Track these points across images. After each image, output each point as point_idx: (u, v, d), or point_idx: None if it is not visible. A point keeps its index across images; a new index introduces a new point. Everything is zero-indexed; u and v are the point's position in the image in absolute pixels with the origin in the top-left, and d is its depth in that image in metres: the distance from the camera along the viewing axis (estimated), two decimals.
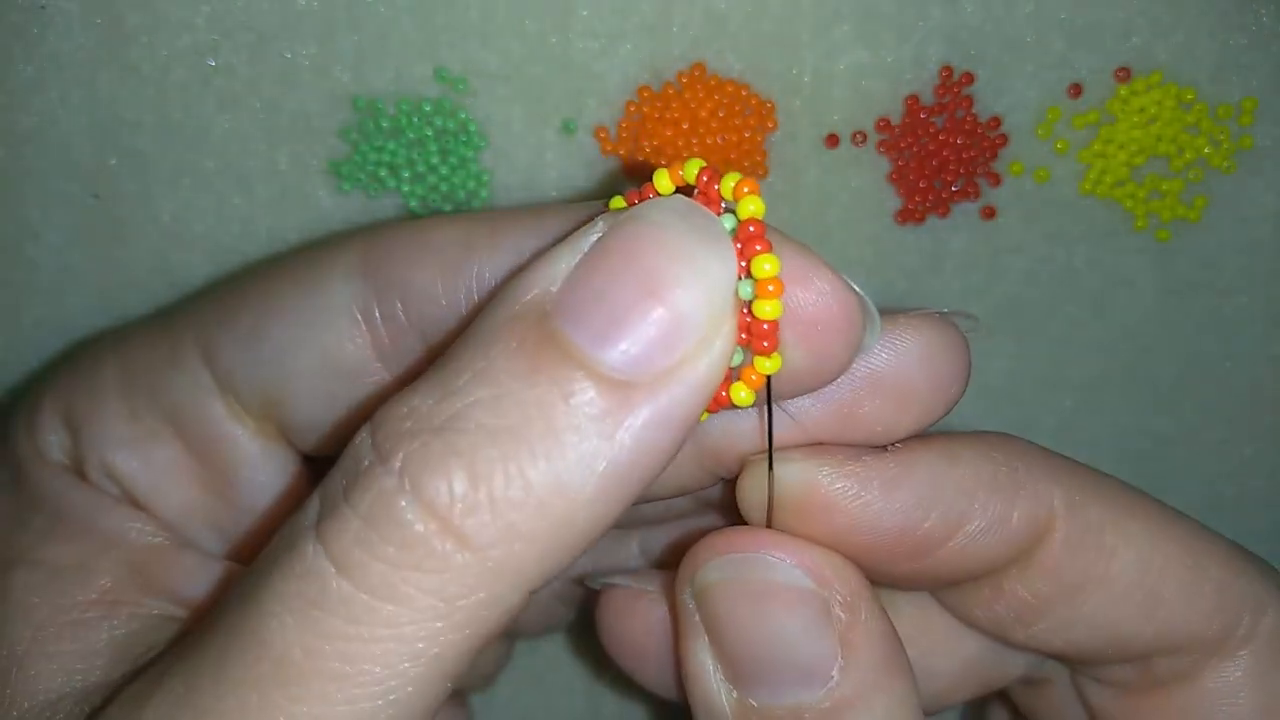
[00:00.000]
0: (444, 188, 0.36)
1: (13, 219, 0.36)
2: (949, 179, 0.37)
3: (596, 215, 0.23)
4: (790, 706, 0.25)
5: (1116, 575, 0.26)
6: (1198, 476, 0.40)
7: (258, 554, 0.23)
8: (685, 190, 0.23)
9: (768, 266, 0.21)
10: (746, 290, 0.22)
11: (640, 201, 0.23)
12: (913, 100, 0.36)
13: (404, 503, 0.20)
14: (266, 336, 0.27)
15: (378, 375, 0.27)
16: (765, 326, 0.22)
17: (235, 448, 0.29)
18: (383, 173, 0.36)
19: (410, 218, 0.37)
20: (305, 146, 0.36)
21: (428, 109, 0.36)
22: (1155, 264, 0.38)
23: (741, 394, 0.22)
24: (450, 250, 0.26)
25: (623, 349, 0.21)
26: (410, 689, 0.20)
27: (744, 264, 0.22)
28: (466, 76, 0.36)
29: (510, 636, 0.36)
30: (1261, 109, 0.37)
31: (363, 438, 0.22)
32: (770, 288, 0.21)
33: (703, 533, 0.27)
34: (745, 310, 0.22)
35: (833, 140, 0.36)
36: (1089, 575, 0.26)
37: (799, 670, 0.25)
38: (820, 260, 0.23)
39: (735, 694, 0.26)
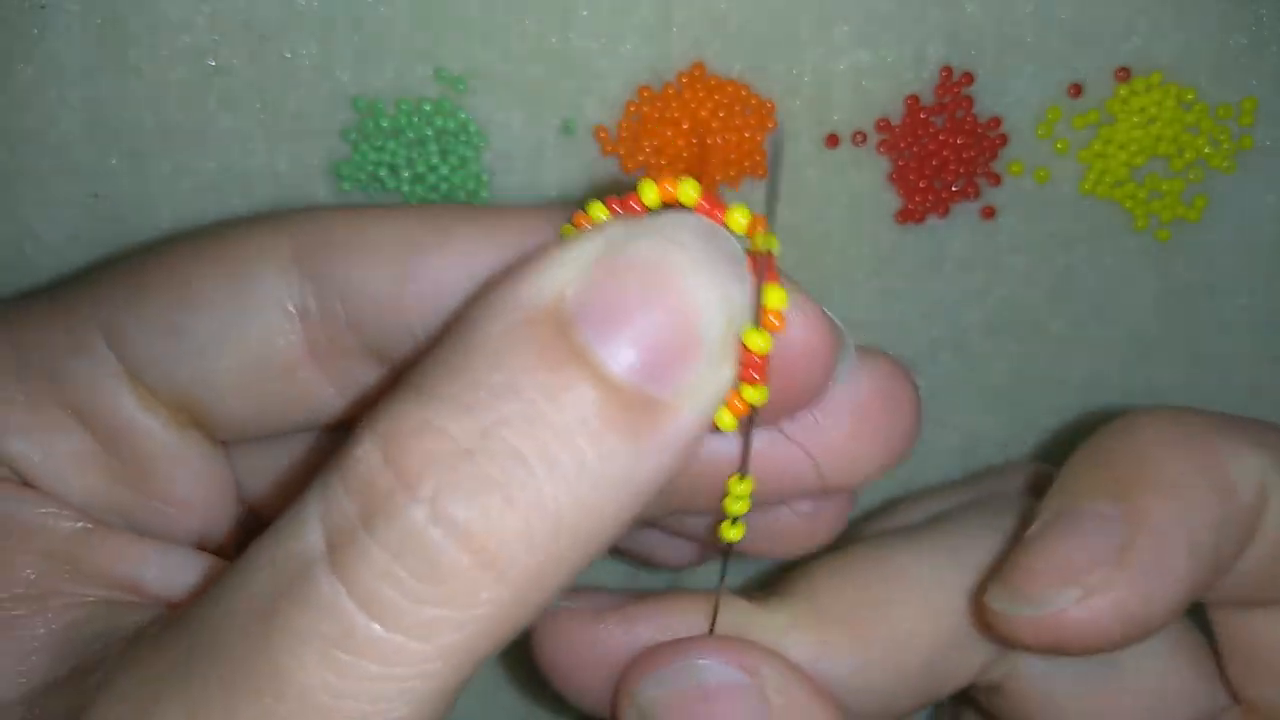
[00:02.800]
0: (444, 188, 0.36)
1: (13, 219, 0.36)
2: (949, 179, 0.37)
3: (578, 223, 0.23)
4: None
5: None
6: None
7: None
8: (670, 207, 0.23)
9: (775, 298, 0.22)
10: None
11: (622, 211, 0.23)
12: (913, 100, 0.36)
13: (437, 536, 0.19)
14: (187, 330, 0.26)
15: (309, 371, 0.26)
16: (758, 359, 0.22)
17: (150, 439, 0.27)
18: (383, 173, 0.36)
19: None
20: (305, 146, 0.36)
21: (428, 109, 0.36)
22: (1155, 264, 0.38)
23: (725, 419, 0.22)
24: (394, 248, 0.25)
25: (648, 365, 0.20)
26: (428, 717, 0.20)
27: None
28: (466, 76, 0.36)
29: None
30: (1261, 109, 0.37)
31: (372, 455, 0.20)
32: (773, 319, 0.22)
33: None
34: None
35: (833, 140, 0.36)
36: None
37: None
38: (797, 286, 0.23)
39: None
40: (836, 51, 0.36)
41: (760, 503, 0.26)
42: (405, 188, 0.36)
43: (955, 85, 0.36)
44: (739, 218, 0.22)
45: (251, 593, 0.21)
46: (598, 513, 0.20)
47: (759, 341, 0.22)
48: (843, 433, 0.26)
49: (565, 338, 0.20)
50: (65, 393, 0.27)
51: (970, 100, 0.36)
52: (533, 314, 0.20)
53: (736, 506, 0.25)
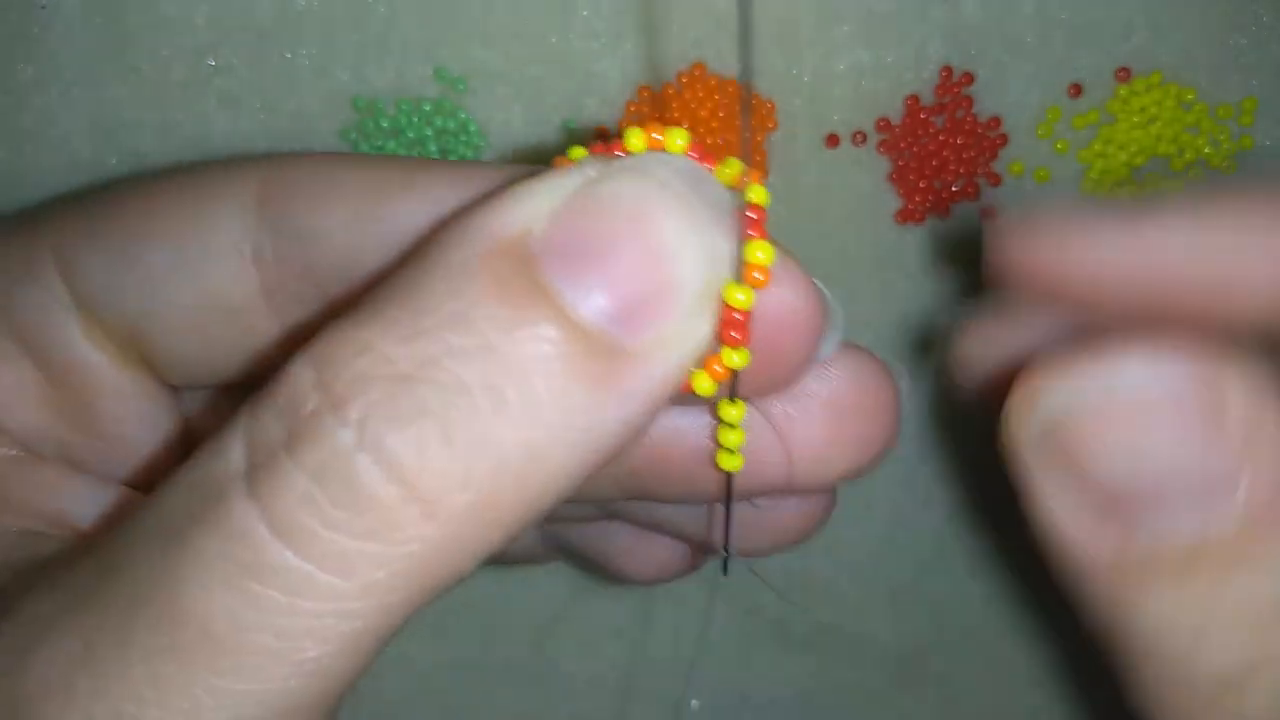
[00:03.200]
0: None
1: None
2: (949, 179, 0.37)
3: (558, 166, 0.21)
4: (1189, 537, 0.20)
5: None
6: None
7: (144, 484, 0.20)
8: None
9: (761, 254, 0.20)
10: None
11: (608, 155, 0.21)
12: (913, 100, 0.36)
13: (364, 463, 0.18)
14: (139, 260, 0.25)
15: (260, 316, 0.25)
16: (738, 316, 0.20)
17: (95, 375, 0.26)
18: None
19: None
20: (305, 146, 0.36)
21: (428, 109, 0.36)
22: None
23: (704, 383, 0.21)
24: (361, 195, 0.24)
25: (618, 311, 0.19)
26: (345, 662, 0.18)
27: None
28: (466, 76, 0.36)
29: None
30: (1261, 109, 0.37)
31: (303, 375, 0.19)
32: (757, 275, 0.20)
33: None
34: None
35: (833, 140, 0.36)
36: None
37: (1195, 492, 0.20)
38: (787, 255, 0.21)
39: (1119, 538, 0.21)
40: (836, 51, 0.36)
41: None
42: None
43: (955, 85, 0.36)
44: (729, 169, 0.21)
45: (163, 516, 0.19)
46: (547, 460, 0.18)
47: (741, 297, 0.20)
48: (816, 429, 0.25)
49: (529, 273, 0.19)
50: (12, 320, 0.26)
51: (970, 100, 0.36)
52: (495, 246, 0.19)
53: (730, 438, 0.23)
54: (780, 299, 0.21)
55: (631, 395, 0.19)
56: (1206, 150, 0.37)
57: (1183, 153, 0.37)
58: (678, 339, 0.19)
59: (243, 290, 0.25)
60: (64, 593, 0.20)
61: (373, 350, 0.18)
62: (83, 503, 0.26)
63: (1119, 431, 0.20)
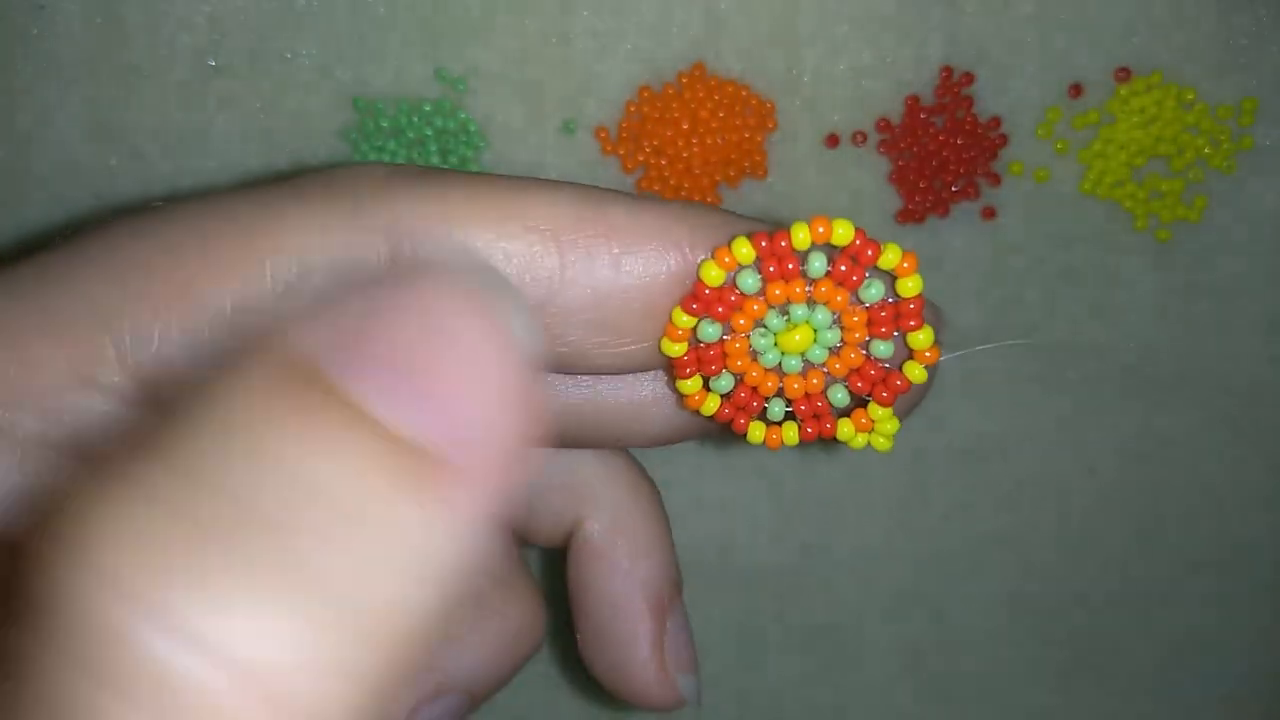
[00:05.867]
0: None
1: (13, 219, 0.36)
2: (949, 179, 0.37)
3: (720, 258, 0.22)
4: None
5: None
6: (1198, 476, 0.40)
7: None
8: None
9: (922, 338, 0.23)
10: (886, 349, 0.23)
11: (770, 248, 0.22)
12: (913, 100, 0.36)
13: (182, 661, 0.13)
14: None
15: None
16: (900, 383, 0.23)
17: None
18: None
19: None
20: (305, 146, 0.36)
21: (428, 109, 0.36)
22: (1155, 264, 0.38)
23: (847, 430, 0.24)
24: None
25: (431, 409, 0.14)
26: None
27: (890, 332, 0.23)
28: (466, 76, 0.36)
29: None
30: (1261, 109, 0.37)
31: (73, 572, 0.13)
32: (927, 354, 0.23)
33: None
34: (880, 366, 0.24)
35: (833, 140, 0.36)
36: None
37: None
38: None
39: None
40: (836, 51, 0.36)
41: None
42: None
43: (955, 85, 0.36)
44: (890, 255, 0.23)
45: None
46: (401, 605, 0.14)
47: (916, 373, 0.23)
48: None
49: (317, 383, 0.14)
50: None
51: (970, 100, 0.36)
52: (279, 363, 0.15)
53: (672, 348, 0.23)
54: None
55: (475, 496, 0.14)
56: (1206, 150, 0.37)
57: (1183, 153, 0.37)
58: (505, 424, 0.15)
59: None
60: None
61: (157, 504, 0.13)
62: None
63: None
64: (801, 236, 0.22)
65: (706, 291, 0.22)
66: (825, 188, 0.37)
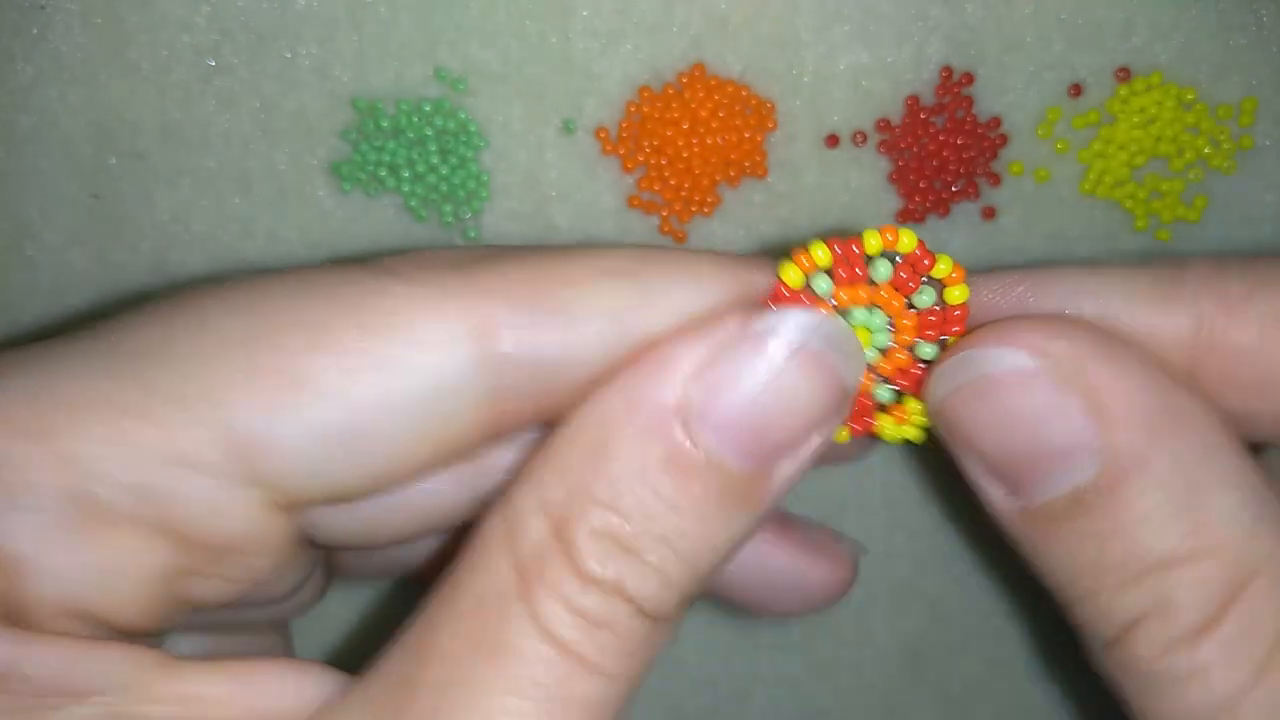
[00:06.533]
0: (444, 188, 0.36)
1: (12, 219, 0.36)
2: (949, 179, 0.37)
3: (798, 261, 0.25)
4: (1068, 495, 0.23)
5: None
6: None
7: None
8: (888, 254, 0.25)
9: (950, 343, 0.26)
10: (932, 352, 0.26)
11: (843, 253, 0.25)
12: (913, 100, 0.36)
13: (594, 591, 0.23)
14: (364, 433, 0.23)
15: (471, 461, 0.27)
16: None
17: (254, 542, 0.24)
18: (383, 173, 0.36)
19: (410, 219, 0.37)
20: (305, 146, 0.36)
21: (428, 109, 0.36)
22: None
23: (886, 426, 0.27)
24: (607, 317, 0.24)
25: (762, 456, 0.24)
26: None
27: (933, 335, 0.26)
28: (466, 76, 0.36)
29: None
30: (1261, 109, 0.37)
31: (536, 525, 0.23)
32: (955, 325, 0.26)
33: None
34: (923, 367, 0.26)
35: (833, 140, 0.36)
36: None
37: (1059, 454, 0.23)
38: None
39: (1018, 504, 0.24)
40: (836, 51, 0.36)
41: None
42: (405, 188, 0.36)
43: (955, 85, 0.36)
44: (943, 265, 0.25)
45: (449, 638, 0.23)
46: (708, 556, 0.24)
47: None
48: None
49: (688, 439, 0.23)
50: (156, 505, 0.22)
51: (970, 100, 0.36)
52: (660, 417, 0.23)
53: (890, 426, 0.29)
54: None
55: (763, 503, 0.24)
56: (1206, 150, 0.37)
57: (1183, 153, 0.37)
58: (801, 461, 0.24)
59: (467, 439, 0.24)
60: (363, 708, 0.23)
61: (577, 506, 0.23)
62: (287, 694, 0.23)
63: (980, 413, 0.24)
64: (874, 243, 0.25)
65: (786, 293, 0.25)
66: (825, 188, 0.37)
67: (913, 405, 0.26)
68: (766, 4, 0.35)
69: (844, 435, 0.27)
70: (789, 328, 0.23)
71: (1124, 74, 0.36)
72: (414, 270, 0.24)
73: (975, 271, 0.27)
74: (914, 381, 0.26)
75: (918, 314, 0.25)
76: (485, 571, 0.23)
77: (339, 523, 0.26)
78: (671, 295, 0.24)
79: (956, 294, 0.25)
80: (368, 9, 0.35)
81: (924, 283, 0.25)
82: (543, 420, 0.25)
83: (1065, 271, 0.26)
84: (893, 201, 0.37)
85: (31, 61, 0.35)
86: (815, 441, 0.24)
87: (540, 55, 0.36)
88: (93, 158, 0.36)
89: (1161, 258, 0.26)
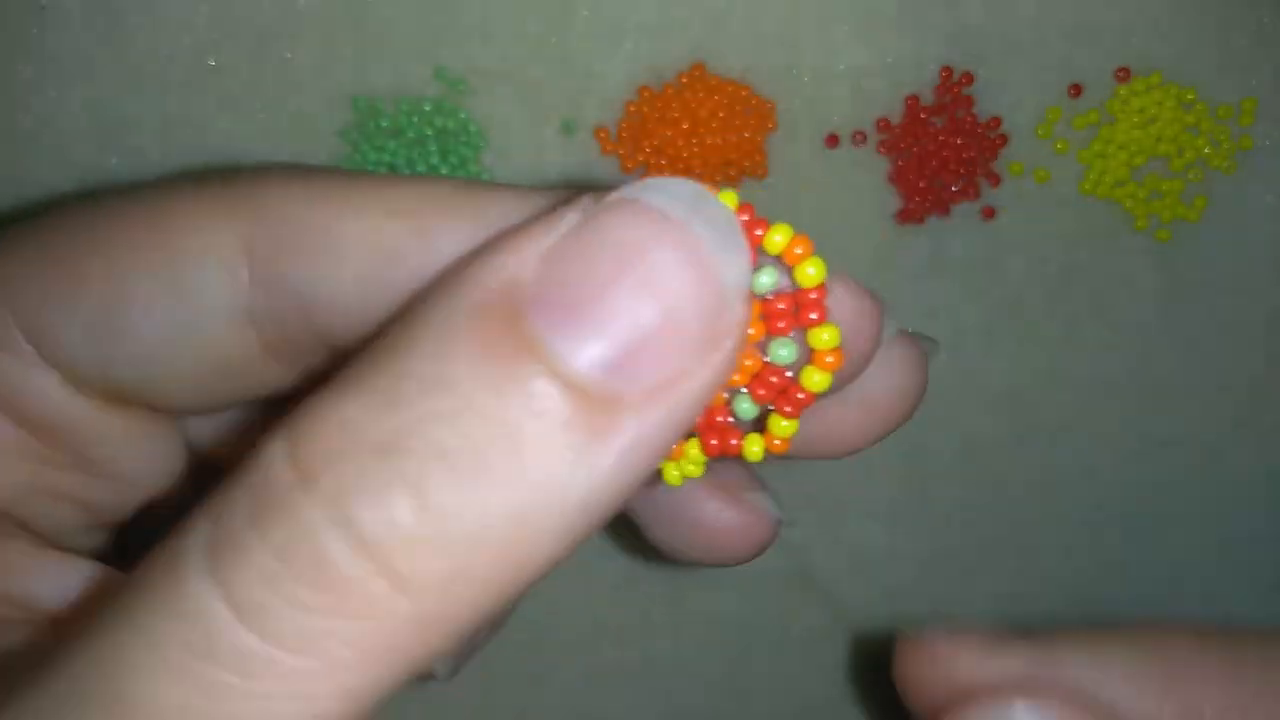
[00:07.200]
0: None
1: (12, 219, 0.36)
2: (949, 179, 0.37)
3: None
4: None
5: None
6: (1198, 476, 0.40)
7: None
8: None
9: (826, 337, 0.19)
10: (787, 354, 0.19)
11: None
12: (913, 100, 0.36)
13: (332, 537, 0.17)
14: (124, 334, 0.23)
15: (265, 369, 0.24)
16: (801, 396, 0.19)
17: (81, 424, 0.25)
18: (382, 173, 0.36)
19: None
20: (305, 146, 0.36)
21: (428, 109, 0.36)
22: (1155, 264, 0.38)
23: (754, 449, 0.20)
24: (370, 258, 0.22)
25: (613, 359, 0.17)
26: None
27: (783, 326, 0.20)
28: (466, 76, 0.36)
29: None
30: (1261, 109, 0.37)
31: (275, 450, 0.17)
32: (829, 359, 0.19)
33: None
34: (782, 371, 0.20)
35: (833, 140, 0.36)
36: None
37: None
38: (824, 264, 0.20)
39: None
40: (836, 51, 0.36)
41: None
42: None
43: (955, 85, 0.36)
44: (777, 236, 0.19)
45: (116, 600, 0.18)
46: (534, 525, 0.17)
47: (814, 380, 0.19)
48: (845, 421, 0.24)
49: (516, 327, 0.17)
50: None
51: (970, 100, 0.36)
52: (485, 298, 0.17)
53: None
54: (843, 309, 0.21)
55: (629, 449, 0.17)
56: (1206, 150, 0.37)
57: (1183, 153, 0.37)
58: (680, 382, 0.17)
59: (241, 353, 0.24)
60: (18, 681, 0.18)
61: (350, 422, 0.17)
62: (51, 584, 0.24)
63: None
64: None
65: None
66: (825, 188, 0.37)
67: (779, 426, 0.20)
68: (766, 4, 0.35)
69: (674, 476, 0.21)
70: (650, 192, 0.18)
71: (1124, 74, 0.36)
72: (203, 185, 0.24)
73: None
74: (771, 391, 0.20)
75: (760, 301, 0.19)
76: (184, 522, 0.18)
77: (169, 402, 0.26)
78: (442, 232, 0.22)
79: (810, 273, 0.19)
80: (368, 9, 0.35)
81: (764, 260, 0.19)
82: (334, 349, 0.24)
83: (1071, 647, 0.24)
84: (893, 201, 0.37)
85: (31, 61, 0.35)
86: (688, 389, 0.17)
87: (540, 55, 0.36)
88: (93, 158, 0.36)
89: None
